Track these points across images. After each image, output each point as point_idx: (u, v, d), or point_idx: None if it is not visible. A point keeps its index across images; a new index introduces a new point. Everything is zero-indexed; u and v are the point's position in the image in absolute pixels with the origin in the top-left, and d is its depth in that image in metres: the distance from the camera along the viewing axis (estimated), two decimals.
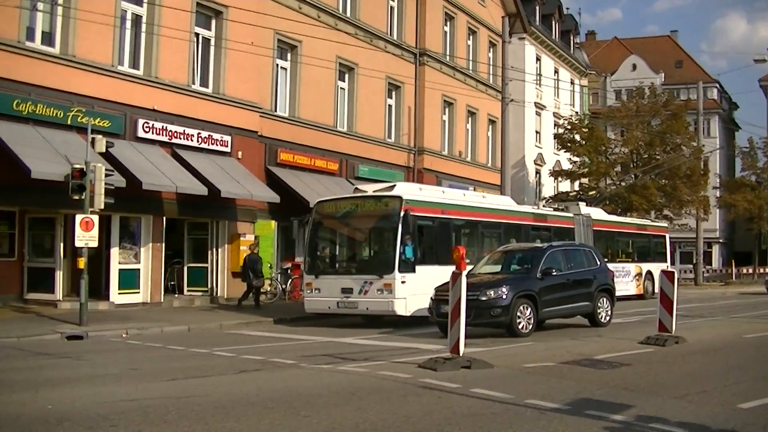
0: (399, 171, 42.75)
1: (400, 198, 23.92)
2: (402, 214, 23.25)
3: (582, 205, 37.84)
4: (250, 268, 28.89)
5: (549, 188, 64.37)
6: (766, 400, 11.60)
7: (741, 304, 36.42)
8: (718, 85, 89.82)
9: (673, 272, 19.51)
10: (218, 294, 31.23)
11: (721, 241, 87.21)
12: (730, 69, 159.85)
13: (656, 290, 37.50)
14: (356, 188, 27.70)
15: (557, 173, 61.76)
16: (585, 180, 58.73)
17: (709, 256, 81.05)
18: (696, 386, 12.90)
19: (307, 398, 11.77)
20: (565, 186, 64.72)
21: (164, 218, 29.15)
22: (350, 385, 12.99)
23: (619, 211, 49.99)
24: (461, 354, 14.62)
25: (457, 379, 13.09)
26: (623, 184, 57.69)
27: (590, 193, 53.64)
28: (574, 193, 50.92)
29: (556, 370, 14.64)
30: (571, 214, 35.31)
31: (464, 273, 14.95)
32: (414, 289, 23.32)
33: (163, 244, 29.25)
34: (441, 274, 23.41)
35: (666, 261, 41.93)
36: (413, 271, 23.62)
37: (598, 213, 38.87)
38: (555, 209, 36.31)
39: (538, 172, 64.45)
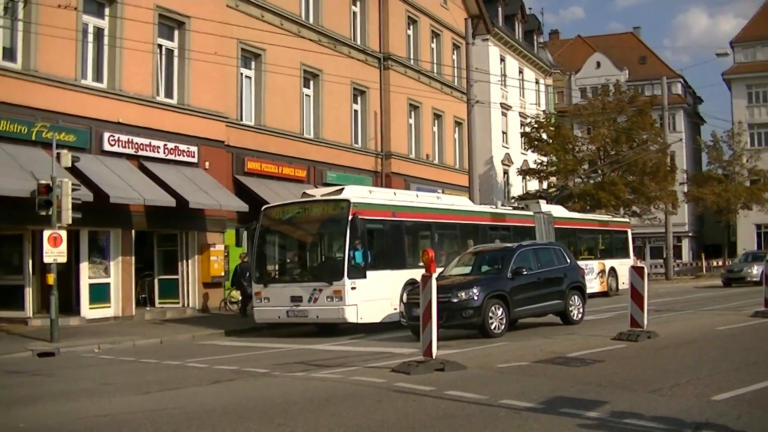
0: (367, 176, 42.76)
1: (347, 201, 23.45)
2: (350, 218, 22.72)
3: (542, 202, 37.27)
4: (242, 277, 28.86)
5: (518, 188, 64.48)
6: (740, 392, 11.66)
7: (712, 296, 36.60)
8: (682, 80, 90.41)
9: (643, 267, 19.55)
10: (190, 305, 31.10)
11: (690, 234, 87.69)
12: (693, 63, 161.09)
13: (620, 287, 37.54)
14: (304, 192, 27.14)
15: (525, 172, 61.90)
16: (553, 179, 58.80)
17: (679, 250, 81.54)
18: (669, 380, 12.94)
19: (281, 406, 11.76)
20: (533, 185, 64.93)
21: (133, 231, 28.98)
22: (324, 391, 12.97)
23: (587, 208, 50.00)
24: (434, 357, 14.62)
25: (430, 382, 13.09)
26: (591, 181, 57.90)
27: (551, 190, 53.30)
28: (542, 191, 50.77)
29: (529, 370, 14.67)
30: (531, 213, 34.75)
31: (434, 275, 14.94)
32: (365, 295, 22.93)
33: (133, 257, 29.07)
34: (394, 278, 23.96)
35: (629, 257, 41.10)
36: (364, 276, 23.07)
37: (559, 210, 38.45)
38: (515, 208, 35.65)
39: (506, 172, 64.60)
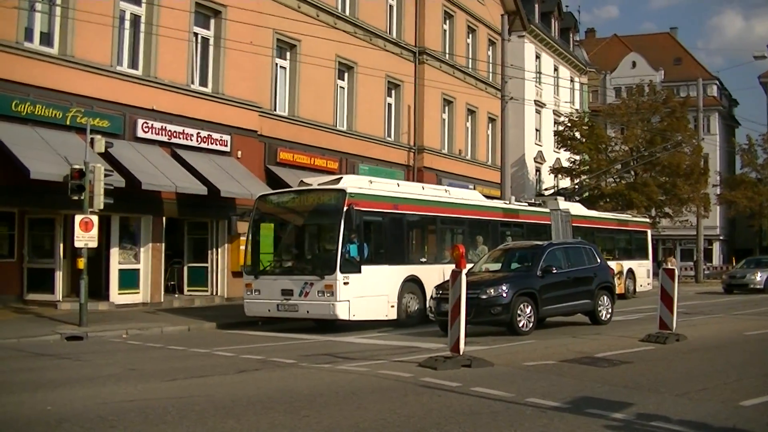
0: (399, 170, 42.74)
1: (343, 191, 22.32)
2: (345, 208, 21.71)
3: (561, 199, 36.24)
4: None
5: (550, 186, 64.28)
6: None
7: (742, 300, 36.35)
8: (717, 82, 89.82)
9: (674, 270, 19.41)
10: (218, 294, 31.18)
11: (721, 238, 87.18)
12: (729, 66, 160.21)
13: (638, 289, 36.79)
14: (302, 181, 26.16)
15: (557, 171, 61.69)
16: (585, 177, 58.54)
17: (709, 254, 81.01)
18: (697, 384, 12.88)
19: (307, 398, 11.74)
20: (565, 184, 64.72)
21: (164, 218, 29.13)
22: (350, 384, 12.97)
23: (619, 209, 49.60)
24: (461, 352, 14.59)
25: (457, 378, 13.06)
26: (623, 181, 57.64)
27: (567, 187, 52.39)
28: (561, 189, 49.98)
29: (556, 369, 14.61)
30: (547, 210, 33.53)
31: (464, 271, 14.88)
32: (359, 291, 21.92)
33: (163, 244, 29.23)
34: (392, 274, 23.24)
35: (648, 258, 41.08)
36: (358, 271, 21.99)
37: (577, 208, 37.31)
38: (531, 204, 34.60)
39: (538, 170, 64.45)
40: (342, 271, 21.47)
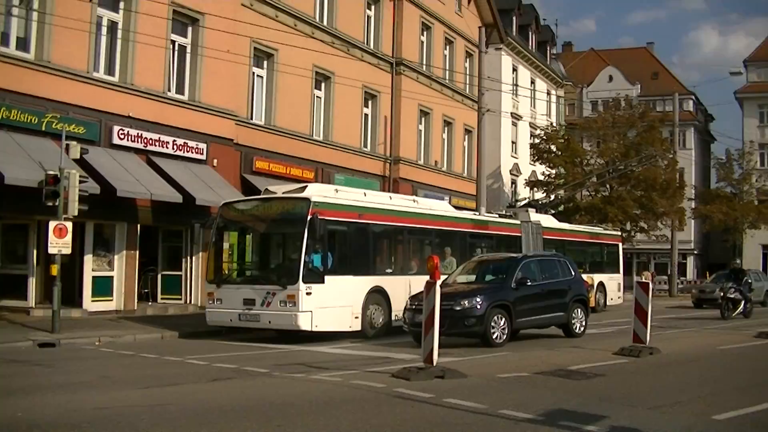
0: (375, 180, 42.73)
1: (307, 200, 21.99)
2: (309, 218, 21.27)
3: (532, 211, 36.34)
4: None
5: (525, 198, 64.43)
6: (741, 412, 11.63)
7: (717, 315, 36.45)
8: (693, 97, 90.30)
9: (648, 283, 19.47)
10: (192, 302, 31.08)
11: (696, 252, 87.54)
12: (705, 81, 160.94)
13: (608, 302, 36.73)
14: (266, 189, 25.73)
15: (533, 183, 61.79)
16: (561, 191, 58.63)
17: (684, 268, 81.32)
18: (670, 397, 12.92)
19: (280, 407, 11.72)
20: (540, 197, 64.85)
21: (139, 225, 28.95)
22: (324, 394, 12.94)
23: (594, 222, 49.68)
24: (435, 364, 14.58)
25: (430, 389, 13.05)
26: (599, 195, 57.81)
27: (538, 198, 52.23)
28: (532, 200, 49.61)
29: (530, 381, 14.63)
30: (518, 221, 33.43)
31: (438, 283, 14.87)
32: (322, 302, 21.56)
33: (138, 252, 29.07)
34: (356, 285, 22.95)
35: (619, 272, 40.99)
36: (322, 281, 21.64)
37: (548, 220, 37.40)
38: (501, 216, 34.61)
39: (514, 182, 64.57)
40: (305, 281, 21.17)
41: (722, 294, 32.46)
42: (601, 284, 38.22)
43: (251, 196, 26.39)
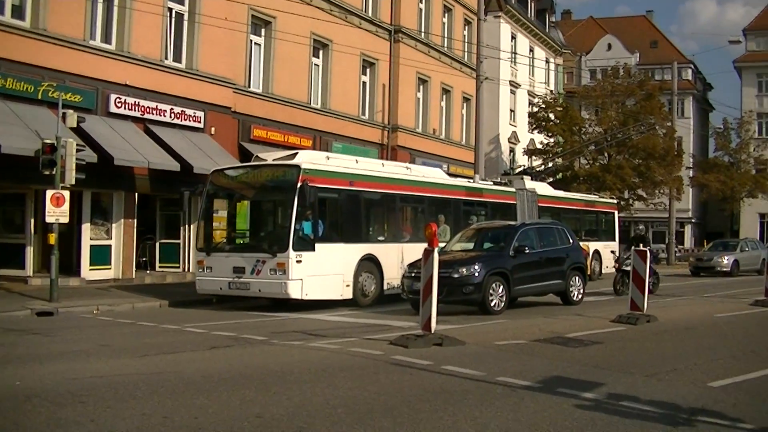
0: (373, 148, 42.70)
1: (297, 167, 21.70)
2: (299, 185, 21.00)
3: (527, 179, 36.07)
4: None
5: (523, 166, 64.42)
6: (737, 379, 11.68)
7: (712, 283, 36.57)
8: (692, 66, 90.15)
9: (646, 251, 19.48)
10: (190, 270, 31.05)
11: (693, 221, 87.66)
12: (704, 50, 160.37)
13: (603, 270, 36.53)
14: (257, 156, 25.76)
15: (531, 152, 61.70)
16: (559, 159, 58.55)
17: (681, 236, 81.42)
18: (667, 365, 12.95)
19: (278, 375, 11.73)
20: (538, 165, 64.81)
21: (136, 194, 28.92)
22: (322, 361, 12.94)
23: (593, 191, 49.62)
24: (433, 331, 14.59)
25: (428, 356, 13.08)
26: (597, 164, 57.76)
27: (535, 165, 51.99)
28: (528, 168, 49.21)
29: (527, 348, 14.65)
30: (512, 189, 33.05)
31: (436, 250, 14.86)
32: (313, 270, 21.43)
33: (135, 220, 29.06)
34: (347, 253, 22.79)
35: (615, 240, 40.76)
36: (312, 249, 21.49)
37: (543, 188, 37.17)
38: (496, 183, 34.18)
39: (512, 151, 64.49)
40: (295, 249, 21.04)
41: (617, 266, 29.12)
42: (596, 252, 38.14)
43: (241, 163, 26.22)
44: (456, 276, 20.21)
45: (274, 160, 23.89)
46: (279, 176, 22.65)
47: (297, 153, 24.10)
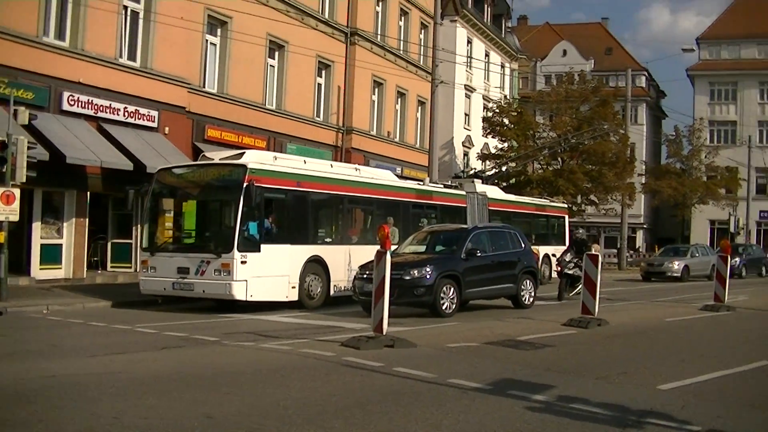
0: (327, 150, 42.62)
1: (243, 167, 21.41)
2: (245, 185, 20.72)
3: (478, 182, 36.00)
4: None
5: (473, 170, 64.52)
6: (686, 382, 11.81)
7: (663, 288, 36.89)
8: (646, 73, 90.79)
9: (597, 256, 19.65)
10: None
11: (645, 226, 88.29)
12: (658, 57, 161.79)
13: (553, 275, 36.39)
14: (203, 155, 25.37)
15: (485, 156, 61.84)
16: (513, 164, 58.72)
17: (633, 242, 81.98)
18: (617, 368, 13.07)
19: (229, 375, 11.71)
20: (490, 168, 64.89)
21: (88, 193, 28.67)
22: (273, 362, 12.94)
23: (546, 195, 49.81)
24: (385, 333, 14.62)
25: (380, 358, 13.11)
26: (551, 168, 58.01)
27: (487, 168, 51.75)
28: (478, 171, 48.94)
29: (479, 351, 14.72)
30: (463, 192, 32.87)
31: (389, 252, 14.88)
32: (258, 271, 21.23)
33: (87, 220, 28.81)
34: (294, 254, 22.59)
35: (565, 244, 39.64)
36: (257, 250, 21.26)
37: (494, 191, 37.09)
38: (446, 186, 33.79)
39: (466, 154, 64.60)
40: (240, 250, 20.83)
41: (559, 270, 29.38)
42: (546, 256, 37.96)
43: (187, 162, 25.92)
44: (407, 278, 20.23)
45: (220, 159, 23.53)
46: (225, 176, 22.39)
47: (244, 153, 23.76)
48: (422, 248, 23.16)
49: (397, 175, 38.37)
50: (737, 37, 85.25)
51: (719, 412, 10.06)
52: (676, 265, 44.61)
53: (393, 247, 21.84)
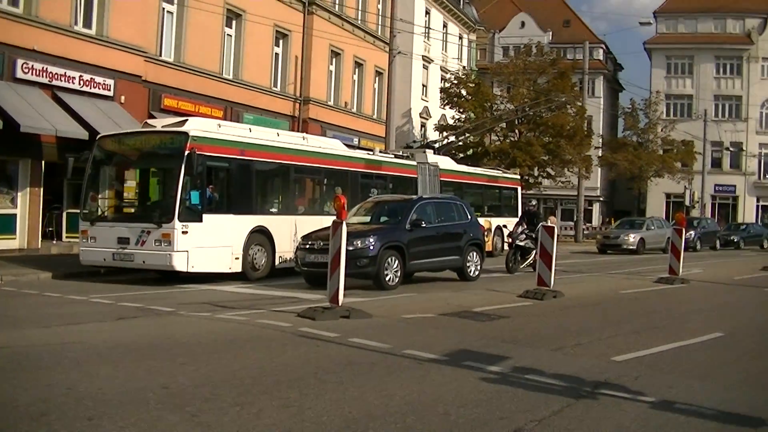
0: (284, 120, 42.47)
1: (185, 134, 20.80)
2: (186, 153, 20.22)
3: (429, 152, 35.46)
4: None
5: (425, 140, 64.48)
6: (639, 354, 11.92)
7: (619, 260, 37.18)
8: (604, 46, 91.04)
9: (553, 227, 19.72)
10: None
11: (601, 199, 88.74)
12: (615, 30, 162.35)
13: (506, 246, 36.05)
14: (146, 122, 24.72)
15: (442, 128, 61.85)
16: (470, 136, 58.76)
17: (589, 214, 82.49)
18: (572, 339, 13.17)
19: (185, 346, 11.68)
20: (438, 139, 64.86)
21: (43, 162, 28.44)
22: (229, 333, 12.92)
23: (503, 167, 49.90)
24: (340, 303, 14.64)
25: (335, 329, 13.13)
26: (508, 140, 58.13)
27: (437, 139, 51.50)
28: (430, 141, 48.59)
29: (435, 322, 14.77)
30: (414, 163, 32.58)
31: (345, 222, 14.89)
32: (199, 241, 20.75)
33: (42, 189, 28.57)
34: (238, 224, 22.16)
35: (517, 216, 38.56)
36: (199, 220, 20.75)
37: (446, 162, 36.69)
38: (397, 156, 33.38)
39: (423, 126, 64.54)
40: (180, 220, 20.32)
41: (510, 241, 28.86)
42: (499, 228, 37.35)
43: (129, 129, 25.21)
44: (351, 248, 19.26)
45: (162, 126, 22.78)
46: (166, 143, 21.75)
47: (187, 120, 22.89)
48: (367, 219, 22.80)
49: (353, 146, 38.37)
50: (694, 11, 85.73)
51: (672, 383, 10.16)
52: (632, 238, 44.94)
53: (321, 218, 22.32)
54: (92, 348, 11.38)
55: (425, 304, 17.44)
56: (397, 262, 20.73)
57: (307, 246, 20.28)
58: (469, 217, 24.68)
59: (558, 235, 20.64)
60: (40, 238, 28.60)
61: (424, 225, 21.88)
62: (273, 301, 17.41)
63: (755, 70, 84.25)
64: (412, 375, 10.10)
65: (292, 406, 8.44)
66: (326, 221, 18.54)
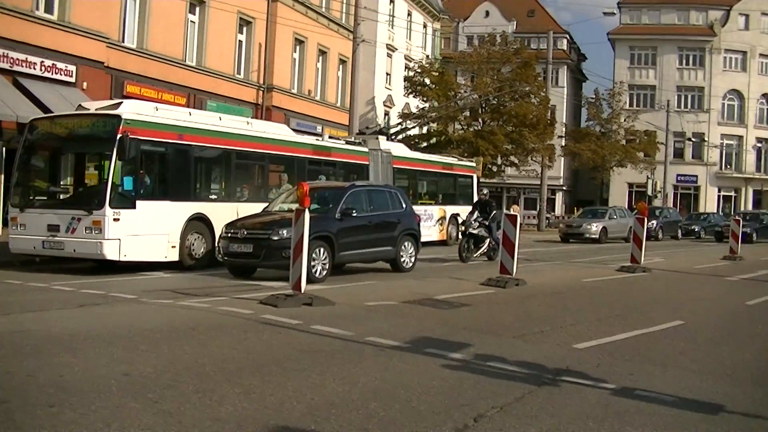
0: (248, 108, 42.34)
1: (117, 117, 19.89)
2: (119, 137, 19.29)
3: (382, 139, 34.64)
4: None
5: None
6: (601, 341, 12.04)
7: (581, 249, 37.38)
8: (567, 36, 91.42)
9: (516, 216, 19.79)
10: None
11: (564, 188, 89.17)
12: (579, 20, 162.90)
13: (460, 236, 35.86)
14: (80, 105, 23.41)
15: (406, 116, 61.77)
16: (434, 125, 58.86)
17: (552, 203, 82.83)
18: (534, 327, 13.25)
19: (147, 333, 11.61)
20: (414, 130, 64.92)
21: (4, 149, 28.21)
22: (191, 320, 12.86)
23: (466, 156, 49.86)
24: (303, 291, 14.62)
25: (298, 316, 13.13)
26: (471, 129, 58.22)
27: (394, 126, 51.23)
28: (384, 127, 48.09)
29: (397, 309, 14.79)
30: (365, 149, 31.76)
31: (307, 209, 14.84)
32: (133, 229, 19.90)
33: (3, 176, 28.32)
34: (174, 211, 21.34)
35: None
36: (132, 206, 19.87)
37: (399, 149, 35.91)
38: (348, 142, 32.35)
39: (387, 114, 64.54)
40: (112, 206, 19.42)
41: (463, 230, 28.24)
42: (454, 216, 37.12)
43: (61, 112, 24.37)
44: (275, 238, 19.07)
45: (96, 109, 21.59)
46: (98, 127, 20.73)
47: (122, 102, 21.94)
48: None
49: (316, 134, 38.20)
50: (658, 3, 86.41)
51: (632, 370, 10.25)
52: (594, 227, 45.25)
53: (264, 205, 21.84)
54: (53, 336, 11.28)
55: (388, 291, 17.45)
56: (325, 253, 19.66)
57: (230, 234, 19.69)
58: (404, 206, 23.78)
59: (521, 224, 20.65)
60: (1, 225, 28.33)
61: (355, 214, 21.04)
62: (235, 289, 17.29)
63: (717, 61, 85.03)
64: (374, 362, 10.12)
65: (254, 393, 8.43)
66: None
